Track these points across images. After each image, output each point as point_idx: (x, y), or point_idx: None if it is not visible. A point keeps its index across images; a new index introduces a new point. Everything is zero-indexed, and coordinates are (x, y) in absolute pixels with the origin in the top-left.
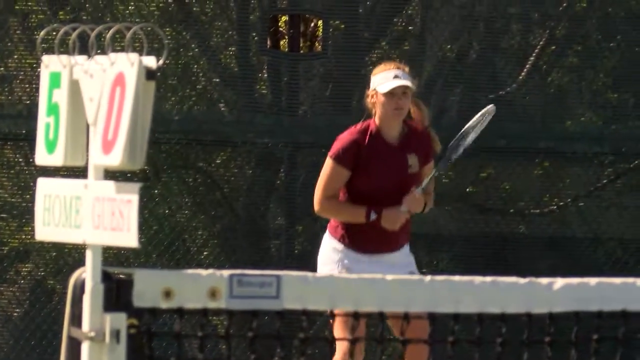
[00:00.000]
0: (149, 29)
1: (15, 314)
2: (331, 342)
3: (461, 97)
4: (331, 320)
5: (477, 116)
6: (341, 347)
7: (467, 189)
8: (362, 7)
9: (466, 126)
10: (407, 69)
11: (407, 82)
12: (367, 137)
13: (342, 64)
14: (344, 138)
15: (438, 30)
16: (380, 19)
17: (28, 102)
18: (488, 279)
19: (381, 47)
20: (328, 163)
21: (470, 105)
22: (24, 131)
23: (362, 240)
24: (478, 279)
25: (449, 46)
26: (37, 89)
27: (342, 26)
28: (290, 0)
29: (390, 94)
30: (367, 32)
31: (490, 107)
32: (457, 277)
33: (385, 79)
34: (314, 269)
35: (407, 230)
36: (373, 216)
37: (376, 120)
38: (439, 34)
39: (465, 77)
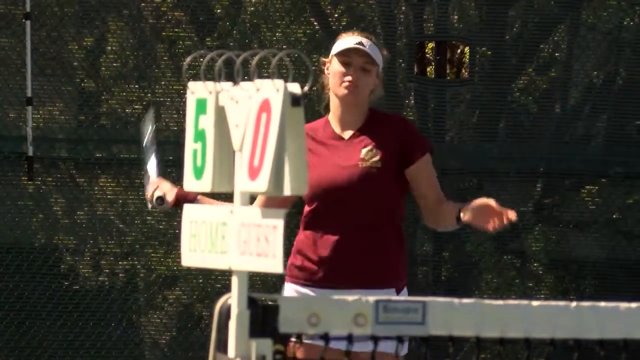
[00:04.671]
0: (296, 55)
1: (162, 340)
2: None
3: (607, 124)
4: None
5: (146, 133)
6: None
7: (614, 216)
8: (508, 34)
9: (146, 143)
10: (379, 47)
11: (369, 52)
12: (319, 127)
13: (488, 90)
14: None
15: (584, 56)
16: (526, 46)
17: (175, 128)
18: (634, 305)
19: (527, 74)
20: None
21: (617, 132)
22: (171, 157)
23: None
24: (624, 305)
25: (595, 73)
26: (184, 116)
27: (489, 52)
28: (437, 26)
29: (345, 64)
30: (513, 59)
31: (147, 114)
32: (603, 303)
33: (345, 44)
34: (461, 295)
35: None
36: None
37: (330, 104)
38: (585, 61)
39: (611, 104)
